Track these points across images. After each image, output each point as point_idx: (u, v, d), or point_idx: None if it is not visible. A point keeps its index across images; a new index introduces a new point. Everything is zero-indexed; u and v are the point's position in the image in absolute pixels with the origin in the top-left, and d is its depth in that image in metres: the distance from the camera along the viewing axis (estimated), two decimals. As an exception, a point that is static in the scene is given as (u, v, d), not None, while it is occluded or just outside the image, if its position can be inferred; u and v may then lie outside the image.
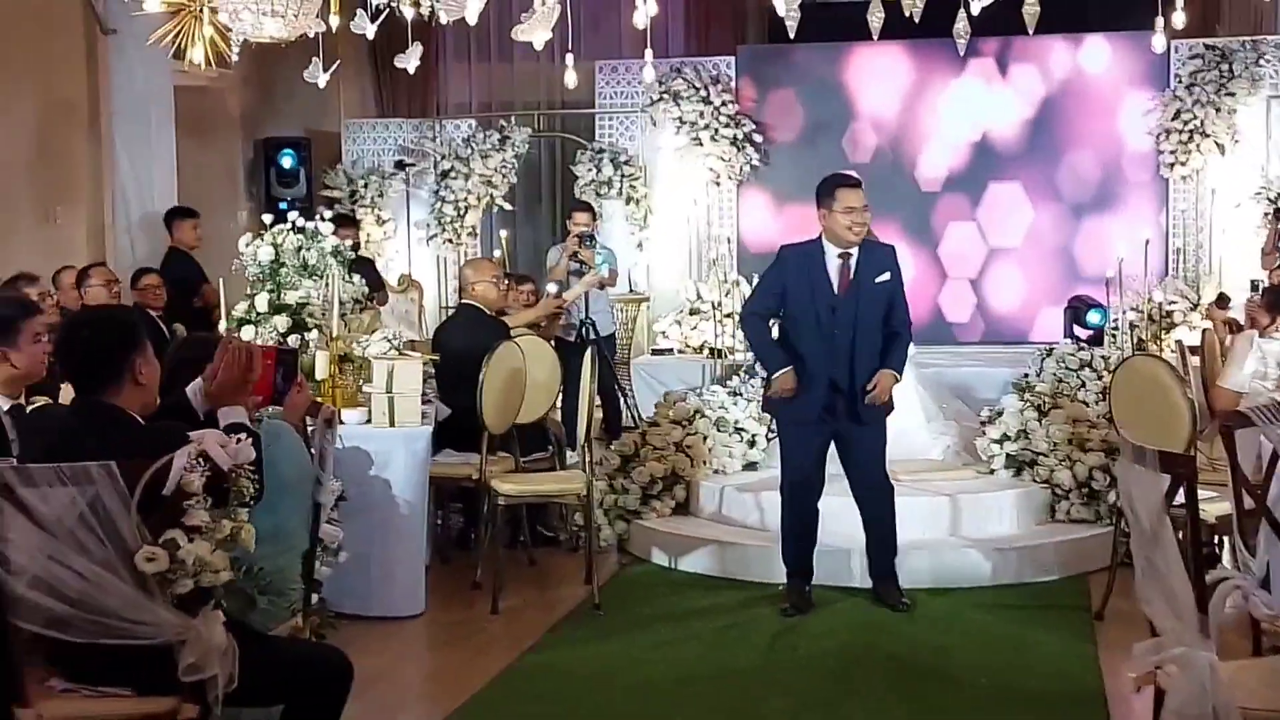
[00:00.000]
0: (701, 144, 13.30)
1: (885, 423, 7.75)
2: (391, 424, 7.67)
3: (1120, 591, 7.25)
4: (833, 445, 7.77)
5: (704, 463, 9.16)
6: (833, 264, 7.66)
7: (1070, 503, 8.68)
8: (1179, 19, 8.12)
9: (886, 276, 7.67)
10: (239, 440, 4.41)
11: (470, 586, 8.16)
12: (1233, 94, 12.40)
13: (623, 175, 13.47)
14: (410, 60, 8.65)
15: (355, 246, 11.88)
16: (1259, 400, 6.55)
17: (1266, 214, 12.22)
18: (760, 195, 13.57)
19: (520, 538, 8.90)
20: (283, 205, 12.47)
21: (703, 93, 13.28)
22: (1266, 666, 4.64)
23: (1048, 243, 13.11)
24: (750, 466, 9.23)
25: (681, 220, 13.61)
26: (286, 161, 13.78)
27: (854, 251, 7.64)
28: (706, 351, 12.24)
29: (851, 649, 7.04)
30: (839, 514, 8.07)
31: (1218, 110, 12.38)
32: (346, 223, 12.15)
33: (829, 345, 7.61)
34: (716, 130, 13.25)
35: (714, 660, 6.91)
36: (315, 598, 5.53)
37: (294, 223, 8.33)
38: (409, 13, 8.24)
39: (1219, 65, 12.45)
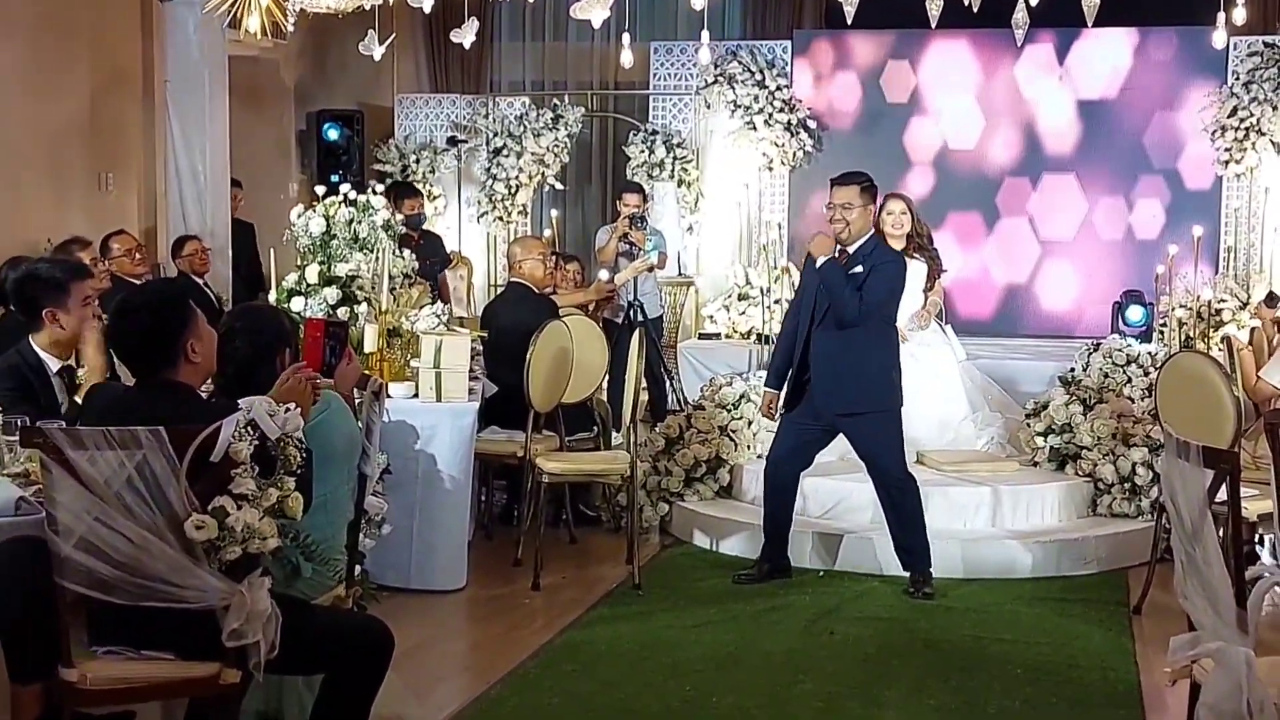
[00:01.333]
0: (755, 128, 13.21)
1: (883, 416, 7.69)
2: (438, 399, 7.69)
3: (1159, 586, 7.24)
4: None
5: (748, 447, 9.17)
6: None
7: (1112, 497, 8.67)
8: (1239, 15, 8.08)
9: (859, 269, 7.62)
10: (287, 410, 4.44)
11: (512, 563, 8.21)
12: (1291, 92, 12.28)
13: (675, 158, 13.41)
14: (466, 35, 8.68)
15: (421, 219, 11.97)
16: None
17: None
18: (814, 182, 13.49)
19: (563, 516, 8.92)
20: (334, 178, 12.51)
21: (758, 76, 13.22)
22: (1304, 665, 4.63)
23: (1100, 236, 13.01)
24: (794, 452, 9.24)
25: (733, 205, 13.55)
26: (332, 134, 13.82)
27: (850, 251, 7.65)
28: (754, 337, 12.23)
29: (888, 635, 7.05)
30: (865, 501, 8.08)
31: (1275, 108, 12.24)
32: (411, 193, 12.16)
33: (807, 339, 7.73)
34: (770, 115, 13.18)
35: (751, 643, 6.92)
36: (358, 569, 5.58)
37: (346, 195, 8.35)
38: (466, -13, 8.28)
39: (1278, 63, 12.32)
